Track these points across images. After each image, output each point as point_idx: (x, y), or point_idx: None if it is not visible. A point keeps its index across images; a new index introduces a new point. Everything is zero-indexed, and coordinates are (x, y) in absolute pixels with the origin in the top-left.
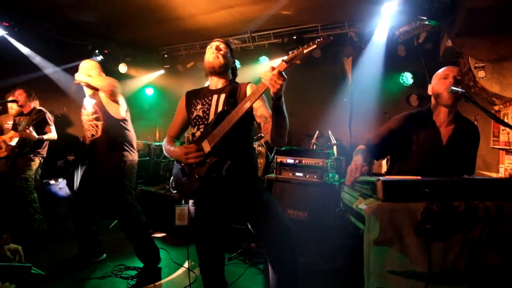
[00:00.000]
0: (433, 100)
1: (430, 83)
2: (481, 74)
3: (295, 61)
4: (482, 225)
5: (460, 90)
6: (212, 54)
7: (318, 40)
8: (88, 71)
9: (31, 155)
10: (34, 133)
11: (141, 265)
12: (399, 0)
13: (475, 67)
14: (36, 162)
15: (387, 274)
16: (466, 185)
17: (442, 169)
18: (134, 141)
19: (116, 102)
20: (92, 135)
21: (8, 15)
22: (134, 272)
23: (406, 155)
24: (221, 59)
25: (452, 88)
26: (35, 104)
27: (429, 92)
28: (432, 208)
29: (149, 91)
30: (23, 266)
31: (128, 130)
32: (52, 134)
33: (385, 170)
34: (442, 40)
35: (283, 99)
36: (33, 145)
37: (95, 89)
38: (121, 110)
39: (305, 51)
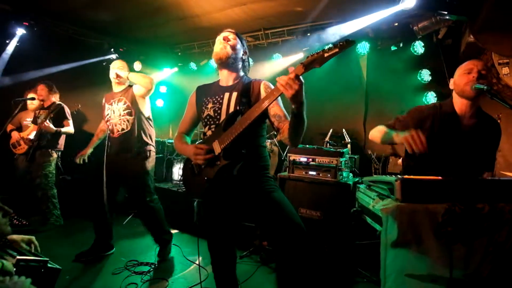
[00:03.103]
0: (454, 94)
1: (452, 78)
2: (505, 70)
3: (314, 65)
4: (509, 229)
5: (485, 87)
6: (220, 44)
7: (341, 43)
8: (122, 69)
9: (49, 150)
10: (52, 125)
11: (153, 260)
12: None
13: (499, 64)
14: (54, 157)
15: (404, 277)
16: (490, 186)
17: (461, 163)
18: (154, 138)
19: (144, 99)
20: (122, 129)
21: (28, 15)
22: (147, 268)
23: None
24: (228, 50)
25: (476, 86)
26: (56, 98)
27: (451, 86)
28: (454, 210)
29: (163, 89)
30: (39, 260)
31: (152, 127)
32: (69, 128)
33: (401, 169)
34: (464, 35)
35: (304, 106)
36: (50, 138)
37: (124, 85)
38: (148, 108)
39: (326, 54)
